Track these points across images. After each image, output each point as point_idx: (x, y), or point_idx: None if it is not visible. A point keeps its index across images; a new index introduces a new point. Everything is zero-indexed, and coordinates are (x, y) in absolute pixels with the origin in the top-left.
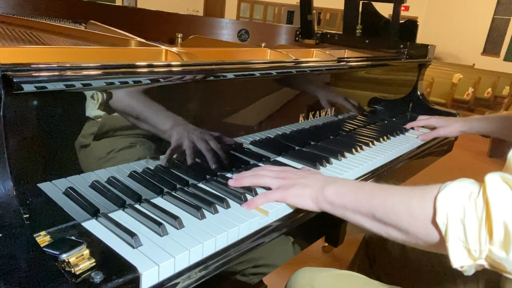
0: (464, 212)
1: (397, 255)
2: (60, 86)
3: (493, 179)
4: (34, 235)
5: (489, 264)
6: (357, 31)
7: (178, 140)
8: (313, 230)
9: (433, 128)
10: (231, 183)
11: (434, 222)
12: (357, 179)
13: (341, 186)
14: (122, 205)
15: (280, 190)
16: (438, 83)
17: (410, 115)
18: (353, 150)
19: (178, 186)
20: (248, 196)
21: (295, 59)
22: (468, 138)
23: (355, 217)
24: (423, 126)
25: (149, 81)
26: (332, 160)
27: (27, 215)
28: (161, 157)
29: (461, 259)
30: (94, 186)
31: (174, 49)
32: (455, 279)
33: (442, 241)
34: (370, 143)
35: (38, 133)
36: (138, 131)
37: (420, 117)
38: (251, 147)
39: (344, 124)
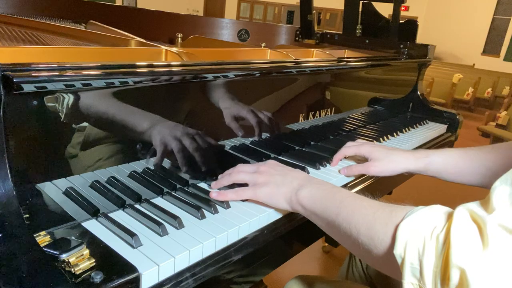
0: (423, 248)
1: None
2: (60, 86)
3: (461, 214)
4: (34, 235)
5: None
6: (357, 31)
7: (178, 140)
8: (313, 230)
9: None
10: (213, 185)
11: (392, 253)
12: (357, 179)
13: (316, 190)
14: (122, 205)
15: (253, 187)
16: (438, 83)
17: (410, 115)
18: None
19: (178, 186)
20: (249, 200)
21: (295, 59)
22: (468, 138)
23: (324, 226)
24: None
25: (149, 81)
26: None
27: (27, 215)
28: (162, 157)
29: None
30: (94, 186)
31: (174, 49)
32: None
33: (400, 272)
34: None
35: (38, 133)
36: (137, 131)
37: (349, 144)
38: (251, 147)
39: (344, 124)
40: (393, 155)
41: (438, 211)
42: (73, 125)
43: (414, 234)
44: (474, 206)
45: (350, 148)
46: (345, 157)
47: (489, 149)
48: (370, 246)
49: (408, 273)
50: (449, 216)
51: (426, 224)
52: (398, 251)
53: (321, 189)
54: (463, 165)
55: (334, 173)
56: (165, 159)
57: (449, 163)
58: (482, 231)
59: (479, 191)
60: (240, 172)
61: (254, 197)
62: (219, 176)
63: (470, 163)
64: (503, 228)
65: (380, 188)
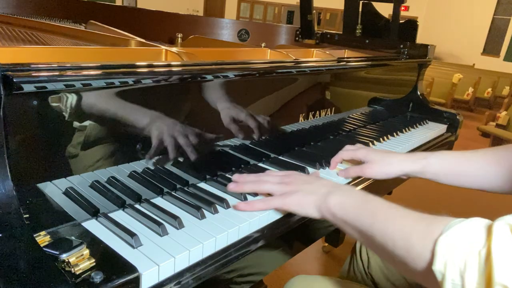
0: (465, 264)
1: None
2: (60, 86)
3: (501, 229)
4: (34, 235)
5: None
6: (357, 31)
7: (178, 140)
8: (313, 230)
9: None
10: (231, 187)
11: (431, 268)
12: (357, 179)
13: (346, 197)
14: (122, 205)
15: (281, 197)
16: (438, 83)
17: (410, 115)
18: None
19: (178, 186)
20: (248, 196)
21: (295, 59)
22: (468, 138)
23: (355, 234)
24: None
25: (149, 81)
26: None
27: (27, 215)
28: (162, 157)
29: None
30: (94, 186)
31: (174, 49)
32: None
33: (438, 286)
34: (370, 143)
35: (38, 133)
36: (137, 131)
37: (347, 147)
38: (251, 147)
39: (344, 124)
40: (389, 158)
41: (477, 224)
42: (73, 125)
43: (454, 250)
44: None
45: (347, 152)
46: (343, 160)
47: (487, 152)
48: (407, 259)
49: None
50: (489, 230)
51: (466, 239)
52: (437, 267)
53: (352, 196)
54: (460, 168)
55: (335, 173)
56: (165, 159)
57: (447, 165)
58: None
59: (479, 192)
60: (266, 183)
61: (283, 207)
62: (234, 177)
63: (467, 166)
64: None
65: (380, 188)
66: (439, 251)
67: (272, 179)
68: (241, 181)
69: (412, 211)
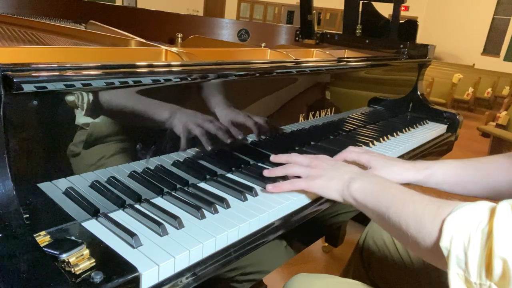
0: (468, 240)
1: (392, 260)
2: (60, 86)
3: (504, 209)
4: (34, 235)
5: None
6: (357, 31)
7: (177, 140)
8: (313, 230)
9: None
10: (265, 173)
11: (438, 245)
12: None
13: (368, 183)
14: (122, 205)
15: (307, 179)
16: (438, 83)
17: (410, 115)
18: None
19: (178, 186)
20: (248, 196)
21: (295, 59)
22: (468, 138)
23: (374, 217)
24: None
25: (149, 81)
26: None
27: (27, 215)
28: (162, 156)
29: None
30: (94, 186)
31: (174, 49)
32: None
33: (445, 263)
34: (370, 143)
35: (38, 133)
36: (137, 131)
37: (350, 149)
38: (251, 146)
39: (344, 124)
40: (392, 166)
41: (483, 206)
42: (73, 125)
43: (460, 227)
44: None
45: (351, 153)
46: (345, 161)
47: (489, 160)
48: (418, 238)
49: (453, 264)
50: (493, 211)
51: (472, 218)
52: (444, 244)
53: (373, 183)
54: (463, 177)
55: None
56: (165, 158)
57: (449, 175)
58: None
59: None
60: (294, 165)
61: (308, 188)
62: (271, 158)
63: (470, 175)
64: None
65: None
66: (446, 229)
67: (301, 160)
68: (276, 161)
69: (426, 196)
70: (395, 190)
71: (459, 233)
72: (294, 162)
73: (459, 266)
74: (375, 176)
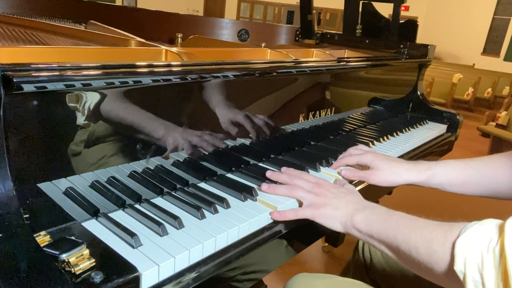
0: (482, 261)
1: (392, 259)
2: (60, 86)
3: None
4: (34, 235)
5: None
6: (357, 31)
7: (177, 140)
8: (313, 230)
9: (366, 168)
10: (264, 188)
11: (453, 269)
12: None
13: (371, 214)
14: (122, 205)
15: (311, 208)
16: (438, 83)
17: (410, 115)
18: None
19: (178, 186)
20: (248, 196)
21: (295, 59)
22: (468, 138)
23: (381, 247)
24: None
25: (149, 81)
26: (332, 160)
27: (27, 215)
28: (161, 157)
29: None
30: (94, 186)
31: (174, 49)
32: None
33: (462, 286)
34: (370, 143)
35: (38, 133)
36: (137, 131)
37: (351, 151)
38: (251, 146)
39: (344, 124)
40: (395, 167)
41: (491, 224)
42: (73, 125)
43: (471, 249)
44: None
45: (352, 157)
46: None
47: (490, 160)
48: (431, 264)
49: (471, 286)
50: (501, 229)
51: (481, 238)
52: (458, 267)
53: (376, 213)
54: (464, 177)
55: (334, 173)
56: (165, 158)
57: (451, 175)
58: None
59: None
60: (298, 189)
61: (311, 218)
62: (267, 174)
63: (471, 175)
64: None
65: (380, 188)
66: (458, 252)
67: (304, 185)
68: (275, 179)
69: (430, 221)
70: (399, 217)
71: (472, 255)
72: (296, 185)
73: (476, 287)
74: (378, 206)
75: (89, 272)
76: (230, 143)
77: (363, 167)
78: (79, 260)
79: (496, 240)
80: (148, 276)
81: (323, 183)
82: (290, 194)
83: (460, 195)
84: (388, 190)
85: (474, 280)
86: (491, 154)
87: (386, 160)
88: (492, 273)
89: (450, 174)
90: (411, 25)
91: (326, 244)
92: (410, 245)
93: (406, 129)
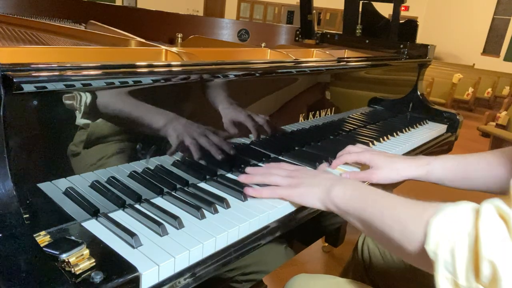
0: (456, 244)
1: (392, 259)
2: (60, 86)
3: (488, 211)
4: (34, 235)
5: None
6: (357, 31)
7: (178, 140)
8: (313, 230)
9: (366, 167)
10: (242, 178)
11: (424, 248)
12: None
13: (348, 189)
14: (122, 205)
15: (287, 188)
16: (438, 83)
17: (410, 115)
18: None
19: (178, 186)
20: (249, 200)
21: (295, 59)
22: (468, 138)
23: (356, 223)
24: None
25: (149, 81)
26: (332, 160)
27: (27, 215)
28: (162, 157)
29: None
30: (94, 186)
31: (174, 49)
32: None
33: (432, 266)
34: (370, 143)
35: (38, 133)
36: (137, 131)
37: (349, 149)
38: (251, 146)
39: (344, 124)
40: (395, 163)
41: (466, 207)
42: (73, 125)
43: (445, 231)
44: (499, 202)
45: (351, 155)
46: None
47: (490, 155)
48: (404, 242)
49: (441, 268)
50: (477, 212)
51: (457, 220)
52: (430, 247)
53: (353, 189)
54: (464, 172)
55: (334, 173)
56: (165, 158)
57: (450, 170)
58: (509, 225)
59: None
60: (274, 175)
61: (288, 197)
62: (247, 170)
63: (471, 170)
64: None
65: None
66: (431, 232)
67: (280, 172)
68: (252, 173)
69: (408, 199)
70: (377, 195)
71: (446, 237)
72: (273, 173)
73: (447, 269)
74: (356, 182)
75: (89, 272)
76: (230, 143)
77: (362, 166)
78: (79, 260)
79: (471, 224)
80: (148, 276)
81: (300, 168)
82: (266, 180)
83: (464, 192)
84: (391, 188)
85: (445, 262)
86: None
87: (384, 157)
88: (465, 256)
89: (448, 168)
90: (411, 25)
91: (326, 244)
92: (384, 221)
93: (406, 129)
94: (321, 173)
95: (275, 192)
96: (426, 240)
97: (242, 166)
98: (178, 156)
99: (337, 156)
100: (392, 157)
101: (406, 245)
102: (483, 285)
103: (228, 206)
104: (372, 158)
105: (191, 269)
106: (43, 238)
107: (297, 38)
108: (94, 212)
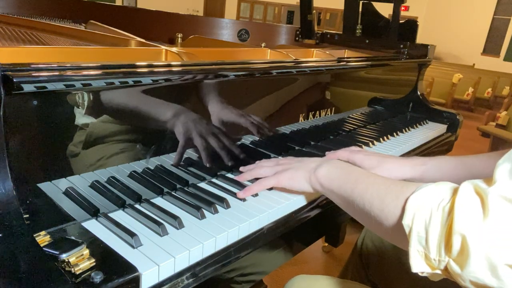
0: (430, 218)
1: (391, 260)
2: (60, 86)
3: (466, 188)
4: (34, 235)
5: (447, 276)
6: (357, 31)
7: (177, 140)
8: (313, 230)
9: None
10: (235, 179)
11: (400, 223)
12: None
13: (333, 168)
14: (122, 205)
15: (275, 175)
16: (438, 83)
17: (410, 115)
18: None
19: (178, 186)
20: (249, 200)
21: (295, 59)
22: (468, 138)
23: (340, 202)
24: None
25: (149, 81)
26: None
27: (27, 215)
28: (162, 157)
29: (420, 265)
30: (94, 186)
31: (174, 49)
32: (452, 283)
33: (407, 241)
34: (370, 143)
35: (38, 133)
36: (137, 131)
37: (345, 148)
38: (251, 147)
39: (344, 124)
40: (387, 163)
41: (446, 186)
42: (73, 125)
43: (422, 206)
44: (478, 181)
45: (345, 152)
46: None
47: (486, 157)
48: (382, 218)
49: (414, 241)
50: (455, 190)
51: (434, 197)
52: (406, 221)
53: (338, 168)
54: (459, 173)
55: None
56: (165, 158)
57: (446, 171)
58: (484, 201)
59: None
60: (261, 167)
61: (277, 184)
62: (240, 169)
63: (467, 171)
64: (503, 198)
65: None
66: (408, 207)
67: (268, 163)
68: (244, 171)
69: (390, 179)
70: (360, 173)
71: (421, 211)
72: (261, 166)
73: (420, 243)
74: (341, 162)
75: (89, 272)
76: (230, 143)
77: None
78: (79, 260)
79: (448, 200)
80: (148, 276)
81: (288, 157)
82: (255, 174)
83: None
84: None
85: (418, 235)
86: (488, 152)
87: (376, 157)
88: (437, 230)
89: (444, 170)
90: (411, 25)
91: (326, 244)
92: (365, 199)
93: (406, 129)
94: (307, 158)
95: (263, 183)
96: (403, 215)
97: (242, 166)
98: (178, 156)
99: (331, 152)
100: (385, 157)
101: (383, 221)
102: (452, 259)
103: (228, 206)
104: (363, 159)
105: (191, 269)
106: (43, 238)
107: (297, 38)
108: (94, 212)
